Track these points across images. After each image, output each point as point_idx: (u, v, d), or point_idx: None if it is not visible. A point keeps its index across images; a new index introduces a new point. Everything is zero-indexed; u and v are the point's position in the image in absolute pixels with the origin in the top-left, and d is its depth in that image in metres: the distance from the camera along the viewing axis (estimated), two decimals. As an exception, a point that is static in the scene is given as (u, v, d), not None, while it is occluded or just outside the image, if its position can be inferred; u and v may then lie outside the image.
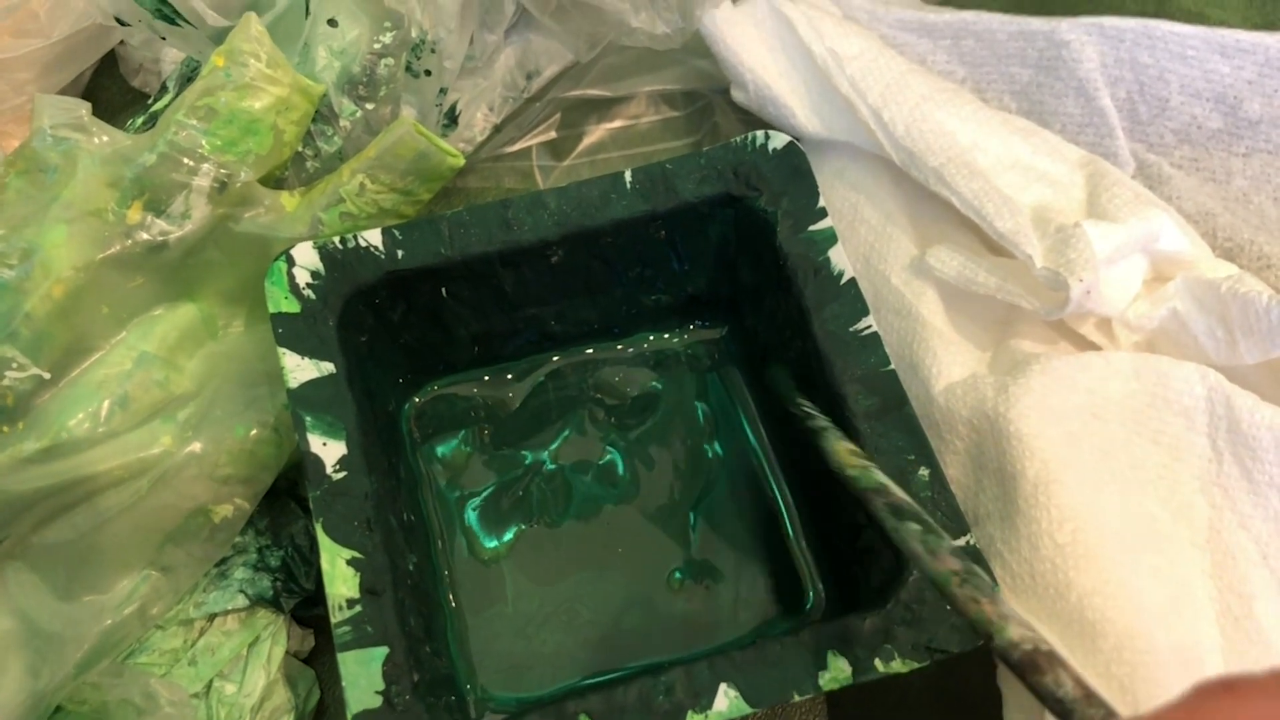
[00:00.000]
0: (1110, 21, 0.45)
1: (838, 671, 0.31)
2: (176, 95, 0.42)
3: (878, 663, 0.31)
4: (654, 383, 0.42)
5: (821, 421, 0.34)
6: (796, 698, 0.30)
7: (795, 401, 0.36)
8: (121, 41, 0.48)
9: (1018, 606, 0.32)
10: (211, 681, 0.36)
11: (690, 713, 0.30)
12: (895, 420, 0.34)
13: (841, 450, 0.32)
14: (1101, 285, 0.36)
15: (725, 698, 0.30)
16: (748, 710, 0.30)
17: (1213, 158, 0.46)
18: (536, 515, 0.40)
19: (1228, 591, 0.34)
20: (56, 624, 0.35)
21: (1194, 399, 0.36)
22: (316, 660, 0.39)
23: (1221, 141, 0.46)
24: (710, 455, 0.41)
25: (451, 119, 0.44)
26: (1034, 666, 0.24)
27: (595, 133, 0.48)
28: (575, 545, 0.39)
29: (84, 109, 0.37)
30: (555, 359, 0.42)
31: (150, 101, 0.44)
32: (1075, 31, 0.45)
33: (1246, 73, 0.46)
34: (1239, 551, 0.35)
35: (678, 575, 0.39)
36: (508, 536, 0.39)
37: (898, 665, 0.31)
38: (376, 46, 0.40)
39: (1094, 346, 0.39)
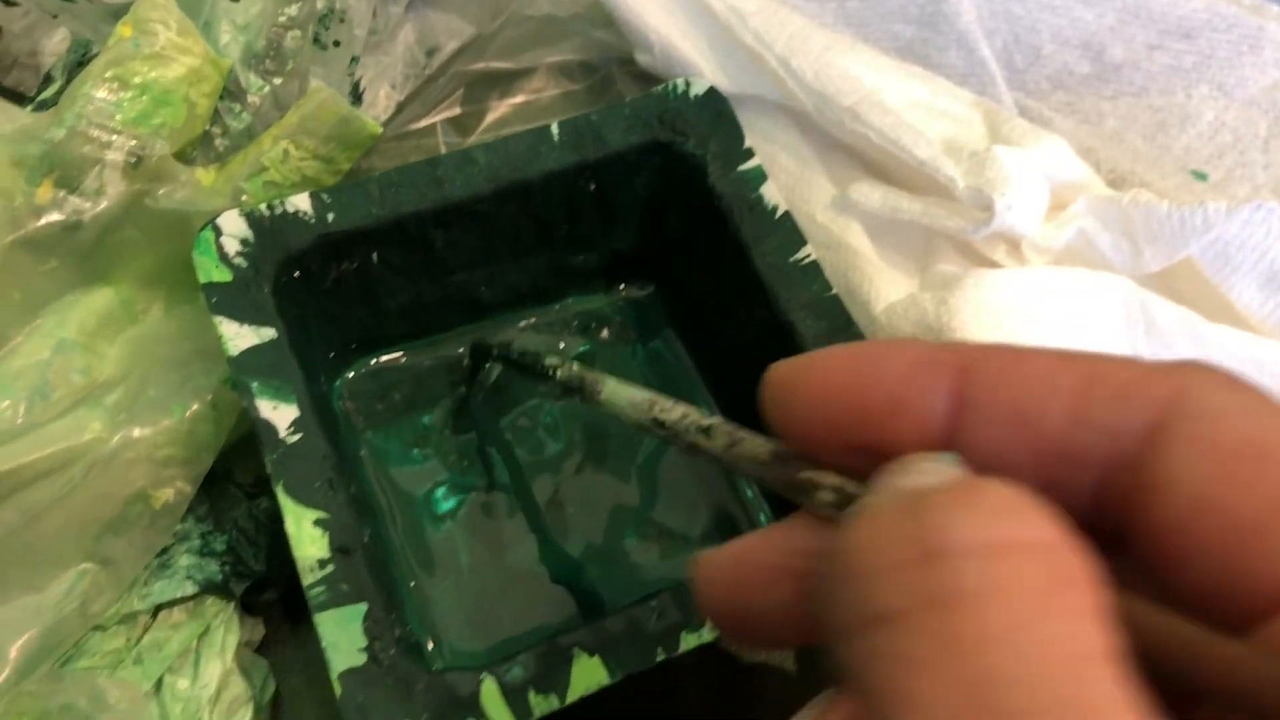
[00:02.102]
0: (984, -25, 0.48)
1: (822, 580, 0.31)
2: (65, 83, 0.40)
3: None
4: (587, 345, 0.42)
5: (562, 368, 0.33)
6: (786, 609, 0.30)
7: (501, 345, 0.37)
8: (-10, 40, 0.46)
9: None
10: (161, 678, 0.34)
11: (685, 633, 0.30)
12: (845, 341, 0.35)
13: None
14: (1018, 204, 0.38)
15: (717, 616, 0.30)
16: (741, 625, 0.30)
17: (1085, 101, 0.49)
18: (482, 483, 0.39)
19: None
20: (-11, 629, 0.32)
21: (1112, 304, 0.38)
22: (267, 651, 0.37)
23: (1091, 85, 0.49)
24: (651, 409, 0.41)
25: (356, 96, 0.43)
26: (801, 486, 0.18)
27: (499, 108, 0.48)
28: (525, 510, 0.39)
29: (-21, 87, 0.35)
30: (487, 326, 0.42)
31: (35, 94, 0.41)
32: (952, -13, 0.47)
33: (1108, 20, 0.49)
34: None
35: (632, 530, 0.39)
36: (455, 506, 0.38)
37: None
38: (282, 19, 0.39)
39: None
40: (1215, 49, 0.49)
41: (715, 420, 0.22)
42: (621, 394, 0.27)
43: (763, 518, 0.39)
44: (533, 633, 0.36)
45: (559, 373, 0.32)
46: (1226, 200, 0.45)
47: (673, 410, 0.24)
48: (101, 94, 0.35)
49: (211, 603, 0.35)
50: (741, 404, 0.40)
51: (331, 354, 0.39)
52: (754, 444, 0.20)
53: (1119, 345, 0.37)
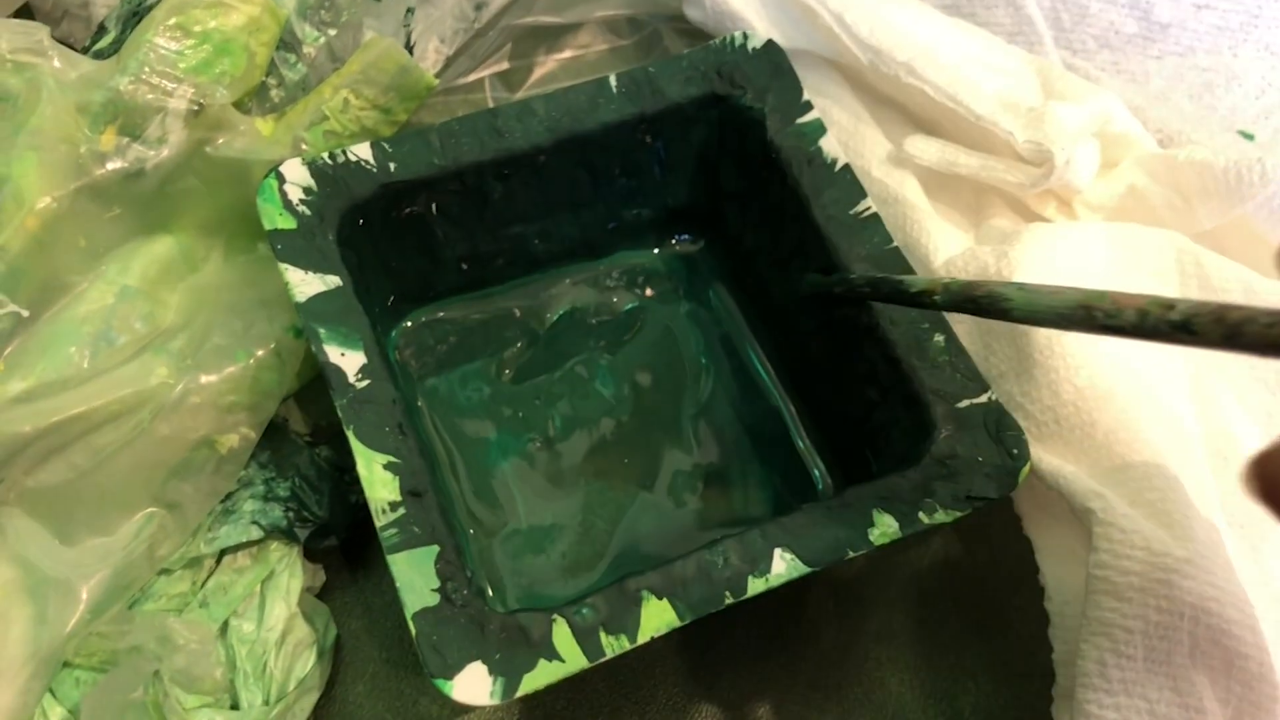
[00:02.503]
0: (1033, -67, 0.48)
1: (885, 527, 0.31)
2: (120, 33, 0.40)
3: (922, 515, 0.32)
4: (639, 299, 0.42)
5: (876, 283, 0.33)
6: (850, 554, 0.31)
7: (844, 280, 0.35)
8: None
9: (1045, 452, 0.33)
10: (227, 622, 0.35)
11: (750, 578, 0.30)
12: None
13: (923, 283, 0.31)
14: (1075, 158, 0.38)
15: (782, 561, 0.31)
16: (805, 570, 0.30)
17: (1131, 60, 0.49)
18: (538, 433, 0.39)
19: (1215, 434, 0.36)
20: (61, 569, 0.33)
21: (1165, 260, 0.38)
22: (327, 596, 0.37)
23: (1137, 45, 0.49)
24: (702, 364, 0.41)
25: (408, 49, 0.43)
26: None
27: (547, 63, 0.48)
28: (580, 460, 0.39)
29: (43, 32, 0.35)
30: (539, 280, 0.42)
31: (89, 44, 0.41)
32: (1001, -56, 0.47)
33: (1156, -22, 0.49)
34: (1219, 397, 0.37)
35: (685, 480, 0.39)
36: (512, 456, 0.39)
37: (941, 516, 0.32)
38: (337, -31, 0.39)
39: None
40: (1262, 8, 0.49)
41: (1184, 304, 0.22)
42: (1040, 303, 0.26)
43: (816, 471, 0.39)
44: (586, 578, 0.37)
45: (937, 298, 0.30)
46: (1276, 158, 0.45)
47: (1121, 312, 0.23)
48: (164, 42, 0.35)
49: (275, 548, 0.36)
50: (783, 352, 0.40)
51: (389, 304, 0.40)
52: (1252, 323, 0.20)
53: (1174, 300, 0.38)
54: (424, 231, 0.38)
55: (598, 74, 0.47)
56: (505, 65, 0.47)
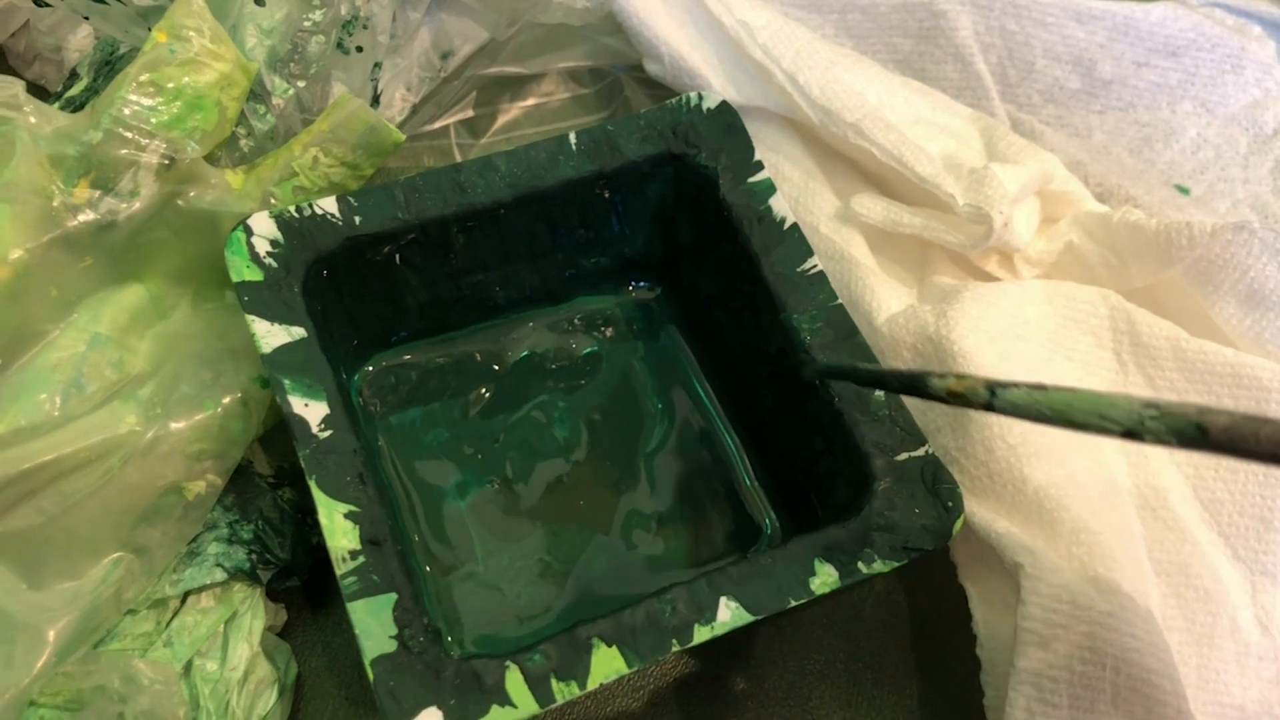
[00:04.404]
0: (981, -7, 0.50)
1: (826, 576, 0.33)
2: (92, 80, 0.42)
3: (861, 565, 0.33)
4: (596, 344, 0.44)
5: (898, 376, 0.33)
6: (792, 603, 0.32)
7: (863, 373, 0.35)
8: (13, 33, 0.47)
9: (979, 506, 0.35)
10: (190, 661, 0.36)
11: (697, 626, 0.32)
12: (849, 348, 0.37)
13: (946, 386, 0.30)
14: (1013, 219, 0.39)
15: (727, 609, 0.32)
16: (750, 619, 0.32)
17: (1074, 115, 0.51)
18: (496, 474, 0.41)
19: (1144, 486, 0.38)
20: (28, 613, 0.34)
21: (1099, 318, 0.40)
22: (289, 635, 0.38)
23: (1081, 100, 0.51)
24: (657, 408, 0.42)
25: (374, 98, 0.45)
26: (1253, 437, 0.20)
27: (510, 110, 0.49)
28: (537, 501, 0.40)
29: (18, 86, 0.36)
30: (500, 325, 0.43)
31: (61, 90, 0.42)
32: (950, 3, 0.49)
33: (1099, 37, 0.51)
34: (1149, 450, 0.39)
35: (639, 521, 0.40)
36: (471, 497, 0.40)
37: (879, 566, 0.33)
38: (306, 24, 0.40)
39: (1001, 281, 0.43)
40: (1199, 67, 0.51)
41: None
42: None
43: (766, 517, 0.40)
44: (544, 622, 0.38)
45: (946, 390, 0.30)
46: (1208, 215, 0.47)
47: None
48: (137, 98, 0.36)
49: (238, 589, 0.37)
50: (736, 398, 0.42)
51: (352, 349, 0.41)
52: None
53: (1105, 358, 0.40)
54: (387, 280, 0.39)
55: (560, 121, 0.48)
56: (470, 113, 0.49)
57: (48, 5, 0.40)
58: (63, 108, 0.42)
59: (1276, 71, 0.52)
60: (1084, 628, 0.32)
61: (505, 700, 0.30)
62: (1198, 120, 0.51)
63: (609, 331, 0.44)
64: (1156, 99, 0.51)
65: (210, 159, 0.40)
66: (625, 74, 0.50)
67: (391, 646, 0.31)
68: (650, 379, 0.43)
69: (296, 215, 0.37)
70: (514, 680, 0.31)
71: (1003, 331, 0.38)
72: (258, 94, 0.40)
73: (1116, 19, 0.51)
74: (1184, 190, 0.49)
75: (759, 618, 0.32)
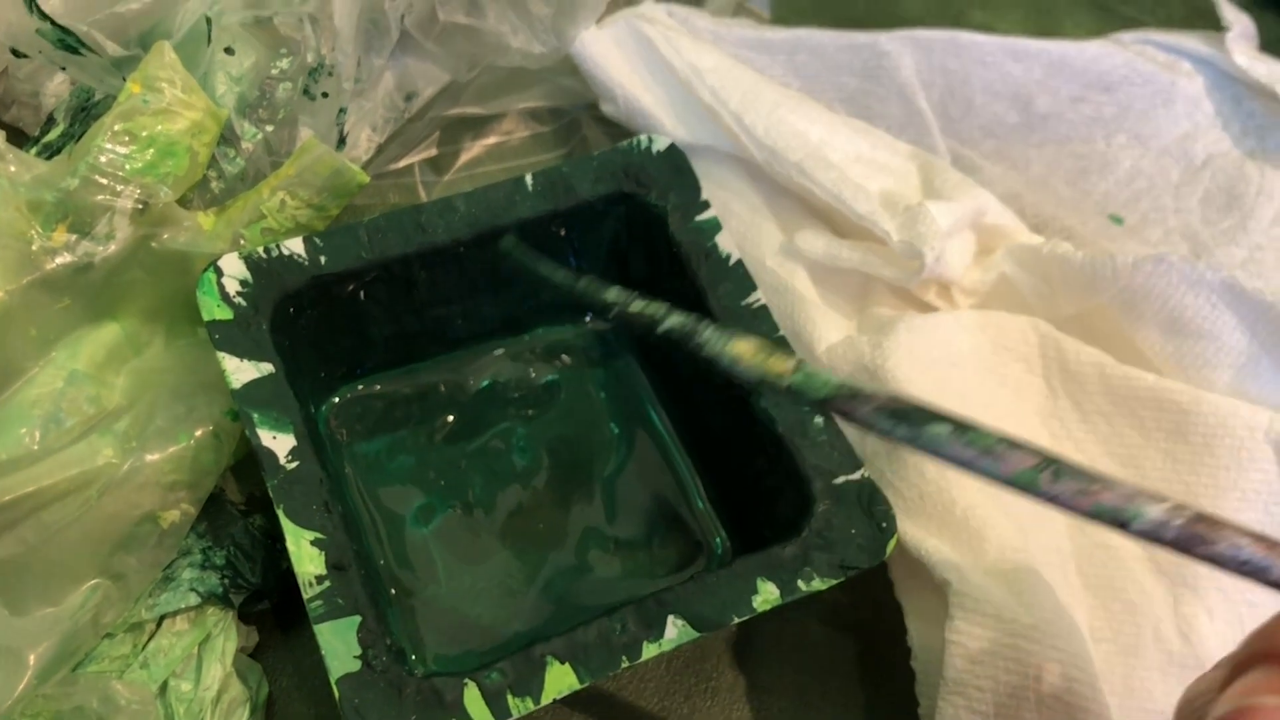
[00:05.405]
0: (922, 34, 0.52)
1: (768, 594, 0.35)
2: (69, 126, 0.43)
3: (800, 583, 0.35)
4: (556, 372, 0.46)
5: (669, 314, 0.37)
6: (735, 620, 0.34)
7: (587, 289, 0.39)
8: (-8, 79, 0.48)
9: (911, 526, 0.37)
10: (166, 682, 0.37)
11: (645, 643, 0.34)
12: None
13: (748, 352, 0.33)
14: (946, 254, 0.42)
15: (674, 627, 0.34)
16: (695, 635, 0.34)
17: (1013, 148, 0.53)
18: (459, 499, 0.42)
19: (1071, 504, 0.40)
20: (10, 638, 0.35)
21: (1029, 346, 0.42)
22: (260, 655, 0.40)
23: (1019, 134, 0.53)
24: (614, 433, 0.44)
25: (341, 142, 0.47)
26: (1197, 538, 0.21)
27: (473, 149, 0.51)
28: (498, 525, 0.42)
29: (-2, 137, 0.38)
30: (463, 355, 0.45)
31: (39, 134, 0.44)
32: (893, 43, 0.52)
33: (1035, 74, 0.53)
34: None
35: (595, 544, 0.42)
36: (434, 522, 0.42)
37: (818, 583, 0.35)
38: (274, 72, 0.42)
39: (937, 311, 0.45)
40: (1133, 101, 0.54)
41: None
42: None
43: (717, 536, 0.42)
44: (505, 641, 0.40)
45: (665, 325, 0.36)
46: (1141, 244, 0.49)
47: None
48: (112, 146, 0.38)
49: (211, 612, 0.38)
50: (689, 423, 0.44)
51: (319, 380, 0.43)
52: None
53: (1035, 384, 0.42)
54: (353, 315, 0.41)
55: (521, 158, 0.50)
56: (434, 151, 0.51)
57: (25, 56, 0.41)
58: (40, 152, 0.43)
59: (1206, 105, 0.55)
60: (1008, 640, 0.34)
61: (464, 716, 0.32)
62: (1131, 152, 0.53)
63: (568, 360, 0.46)
64: (1092, 132, 0.54)
65: (182, 201, 0.42)
66: (583, 113, 0.52)
67: (356, 666, 0.33)
68: (608, 406, 0.45)
69: (265, 256, 0.38)
70: (472, 697, 0.32)
71: (936, 360, 0.40)
72: (228, 138, 0.42)
73: (1052, 56, 0.53)
74: (1118, 220, 0.52)
75: (703, 634, 0.34)
